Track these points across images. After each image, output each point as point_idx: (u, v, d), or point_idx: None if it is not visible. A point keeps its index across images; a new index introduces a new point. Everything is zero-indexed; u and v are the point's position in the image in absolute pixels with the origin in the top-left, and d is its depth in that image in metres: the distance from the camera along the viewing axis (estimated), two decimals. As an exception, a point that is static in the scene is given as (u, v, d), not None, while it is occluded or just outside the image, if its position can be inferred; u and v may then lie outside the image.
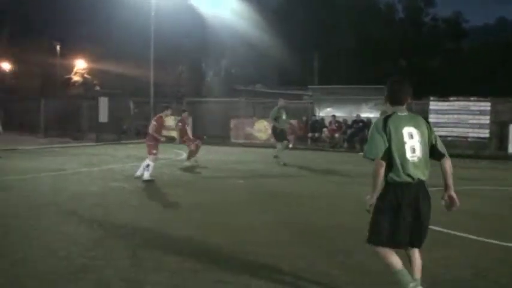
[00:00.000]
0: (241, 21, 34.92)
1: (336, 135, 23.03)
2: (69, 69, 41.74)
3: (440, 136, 16.77)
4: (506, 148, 20.19)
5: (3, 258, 5.43)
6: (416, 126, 4.05)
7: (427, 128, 4.10)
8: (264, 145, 21.70)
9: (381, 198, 4.00)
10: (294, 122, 23.24)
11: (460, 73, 45.05)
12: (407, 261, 4.19)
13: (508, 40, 48.75)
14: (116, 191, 10.08)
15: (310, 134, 24.00)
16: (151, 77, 26.52)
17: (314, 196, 10.06)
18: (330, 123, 23.52)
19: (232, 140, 24.72)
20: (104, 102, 24.88)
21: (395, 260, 4.08)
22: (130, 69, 33.54)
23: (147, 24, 26.45)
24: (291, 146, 17.71)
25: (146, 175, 11.25)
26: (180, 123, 14.47)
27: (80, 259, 5.39)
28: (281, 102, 15.95)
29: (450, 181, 4.05)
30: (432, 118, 20.92)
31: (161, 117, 12.14)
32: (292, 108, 24.08)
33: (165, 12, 27.69)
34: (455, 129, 20.74)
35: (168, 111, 12.50)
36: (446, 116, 20.95)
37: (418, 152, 3.98)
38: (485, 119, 20.34)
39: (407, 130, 4.00)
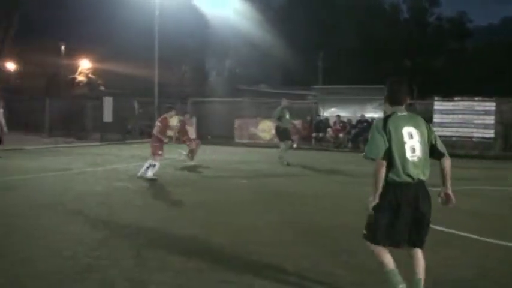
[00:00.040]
0: (245, 21, 34.93)
1: (340, 135, 23.03)
2: (74, 69, 41.87)
3: (445, 136, 16.71)
4: (511, 148, 20.13)
5: (6, 258, 5.45)
6: (416, 126, 4.07)
7: (427, 128, 4.13)
8: (268, 145, 21.71)
9: (381, 197, 4.00)
10: (298, 122, 23.24)
11: (465, 73, 44.94)
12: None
13: (513, 40, 48.60)
14: (120, 191, 10.10)
15: (314, 134, 24.00)
16: (156, 77, 26.57)
17: (318, 196, 10.06)
18: (334, 123, 23.51)
19: (236, 140, 24.74)
20: (108, 102, 24.94)
21: (388, 259, 4.11)
22: (135, 69, 33.59)
23: (151, 24, 26.50)
24: (295, 146, 17.68)
25: (150, 173, 11.29)
26: (178, 124, 14.56)
27: (84, 259, 5.41)
28: (284, 102, 16.02)
29: (448, 179, 4.09)
30: (437, 118, 20.94)
31: (166, 118, 12.14)
32: (296, 108, 24.05)
33: (169, 12, 27.72)
34: (460, 130, 20.70)
35: (172, 112, 12.52)
36: (451, 116, 20.90)
37: (418, 152, 3.99)
38: (490, 119, 20.28)
39: (407, 130, 4.02)
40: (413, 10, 52.23)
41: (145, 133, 25.05)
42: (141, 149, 18.02)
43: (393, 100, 4.21)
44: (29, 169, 12.99)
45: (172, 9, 28.05)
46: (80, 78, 41.54)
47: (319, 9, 44.48)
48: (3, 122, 16.32)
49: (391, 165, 3.96)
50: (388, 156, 3.96)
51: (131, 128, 27.39)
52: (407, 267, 4.16)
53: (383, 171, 3.94)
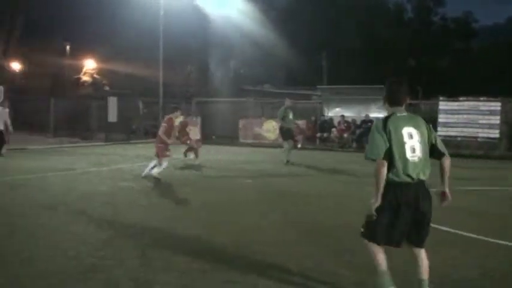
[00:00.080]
0: (248, 21, 34.93)
1: (345, 135, 23.00)
2: (79, 69, 41.89)
3: (450, 136, 16.65)
4: (516, 148, 20.07)
5: (9, 258, 5.47)
6: (416, 127, 4.08)
7: (427, 128, 4.14)
8: (273, 145, 21.70)
9: (381, 197, 4.01)
10: (302, 122, 23.26)
11: (470, 73, 44.80)
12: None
13: (518, 39, 48.45)
14: (125, 191, 10.13)
15: (319, 134, 23.99)
16: (161, 77, 26.62)
17: (321, 195, 10.08)
18: (339, 123, 23.49)
19: (241, 140, 24.73)
20: (113, 102, 25.01)
21: (382, 259, 4.14)
22: (140, 69, 33.62)
23: (155, 24, 26.56)
24: (299, 146, 17.75)
25: (156, 170, 11.32)
26: (179, 124, 14.66)
27: (89, 259, 5.43)
28: (287, 102, 16.15)
29: (446, 178, 4.11)
30: (442, 118, 20.89)
31: (171, 118, 12.09)
32: (300, 108, 24.08)
33: (174, 13, 27.76)
34: (465, 130, 20.63)
35: (178, 112, 12.48)
36: (456, 116, 20.84)
37: (418, 152, 4.00)
38: (495, 119, 20.19)
39: (406, 130, 4.03)
40: (418, 9, 52.10)
41: (149, 133, 25.10)
42: (146, 149, 18.05)
43: (392, 100, 4.21)
44: (34, 169, 13.04)
45: (177, 9, 28.09)
46: (85, 78, 41.55)
47: (323, 9, 44.43)
48: (8, 121, 16.41)
49: (391, 166, 3.97)
50: (388, 156, 3.96)
51: (136, 128, 27.45)
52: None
53: (384, 171, 3.94)
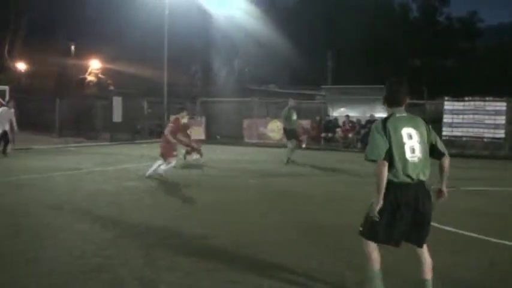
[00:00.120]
0: (253, 20, 34.94)
1: (350, 135, 22.98)
2: (84, 69, 42.00)
3: (455, 136, 16.67)
4: (521, 148, 20.00)
5: (14, 257, 5.50)
6: (415, 127, 4.08)
7: (426, 128, 4.14)
8: (277, 145, 21.67)
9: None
10: (306, 122, 23.25)
11: (475, 73, 44.61)
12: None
13: (524, 39, 48.26)
14: (130, 190, 10.16)
15: (323, 134, 23.96)
16: (165, 77, 26.63)
17: (322, 195, 10.10)
18: (344, 123, 23.48)
19: (246, 140, 24.75)
20: (117, 102, 25.06)
21: (376, 259, 4.16)
22: (144, 69, 33.67)
23: (159, 24, 26.57)
24: (304, 146, 17.75)
25: (163, 167, 11.38)
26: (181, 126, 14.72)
27: (94, 258, 5.45)
28: (291, 102, 16.21)
29: (444, 177, 4.14)
30: (447, 118, 20.85)
31: (178, 118, 12.13)
32: (305, 108, 24.10)
33: (178, 12, 27.78)
34: (470, 130, 20.59)
35: (184, 113, 12.53)
36: (461, 116, 20.79)
37: (418, 152, 4.01)
38: (501, 119, 20.14)
39: (406, 131, 4.04)
40: (423, 9, 51.98)
41: (154, 133, 25.14)
42: (151, 148, 18.09)
43: (392, 101, 4.21)
44: (39, 168, 13.09)
45: (182, 9, 28.13)
46: (90, 78, 41.66)
47: (327, 9, 44.37)
48: (14, 121, 16.47)
49: (390, 166, 3.98)
50: (388, 156, 3.97)
51: (140, 128, 27.50)
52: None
53: (385, 171, 3.95)
